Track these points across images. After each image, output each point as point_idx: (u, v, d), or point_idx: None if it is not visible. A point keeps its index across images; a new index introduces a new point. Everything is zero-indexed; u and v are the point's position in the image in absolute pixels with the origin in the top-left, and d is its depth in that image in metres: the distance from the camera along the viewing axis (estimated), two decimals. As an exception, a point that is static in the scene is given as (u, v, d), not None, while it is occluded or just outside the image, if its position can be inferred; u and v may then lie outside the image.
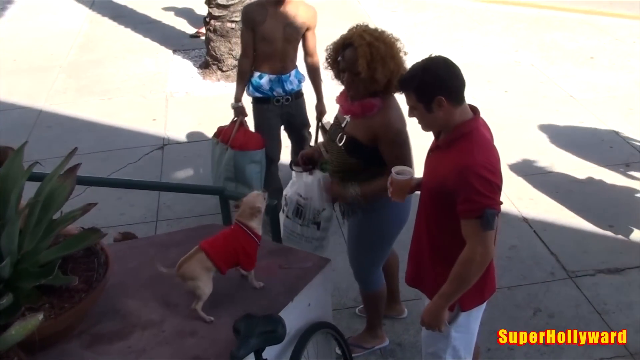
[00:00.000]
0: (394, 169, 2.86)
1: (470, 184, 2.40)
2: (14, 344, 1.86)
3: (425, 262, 2.77)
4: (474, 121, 2.55)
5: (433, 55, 2.59)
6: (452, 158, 2.49)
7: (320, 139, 4.51)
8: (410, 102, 2.56)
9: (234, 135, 4.56)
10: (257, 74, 4.48)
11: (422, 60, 2.57)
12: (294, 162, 3.50)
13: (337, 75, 3.21)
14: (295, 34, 4.41)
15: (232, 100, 4.64)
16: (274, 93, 4.50)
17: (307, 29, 4.46)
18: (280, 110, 4.58)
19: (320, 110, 4.65)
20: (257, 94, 4.53)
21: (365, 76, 3.00)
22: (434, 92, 2.47)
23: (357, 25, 3.15)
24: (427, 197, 2.68)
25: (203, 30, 7.98)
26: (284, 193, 3.49)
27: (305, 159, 3.46)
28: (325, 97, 4.65)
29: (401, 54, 3.09)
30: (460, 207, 2.44)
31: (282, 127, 4.77)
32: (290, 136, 4.89)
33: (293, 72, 4.55)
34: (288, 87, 4.51)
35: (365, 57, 2.97)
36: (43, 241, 2.25)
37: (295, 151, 5.03)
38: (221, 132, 4.71)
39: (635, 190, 5.08)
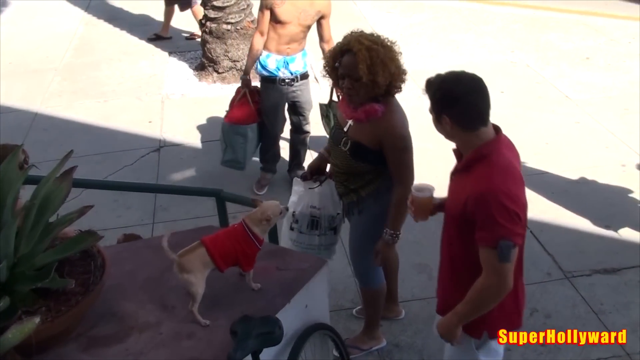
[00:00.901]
0: (414, 187, 2.78)
1: (487, 211, 2.31)
2: (10, 347, 1.86)
3: (448, 288, 2.70)
4: (494, 142, 2.42)
5: (465, 72, 2.47)
6: (471, 183, 2.39)
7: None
8: (429, 105, 2.49)
9: (234, 105, 4.95)
10: (265, 53, 4.76)
11: (453, 72, 2.47)
12: (302, 177, 3.54)
13: (336, 83, 3.21)
14: (309, 20, 4.68)
15: (229, 99, 5.04)
16: (280, 73, 4.78)
17: (322, 17, 4.73)
18: (286, 90, 4.86)
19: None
20: (264, 73, 4.83)
21: (366, 80, 2.99)
22: (441, 108, 2.41)
23: (351, 32, 3.15)
24: (449, 221, 2.57)
25: (198, 31, 8.02)
26: (292, 210, 3.50)
27: (313, 171, 3.51)
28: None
29: (399, 57, 3.09)
30: (477, 234, 2.36)
31: (286, 107, 5.07)
32: (291, 117, 5.15)
33: (299, 54, 4.82)
34: (293, 68, 4.80)
35: (365, 62, 2.96)
36: (39, 244, 2.24)
37: (294, 139, 5.27)
38: (237, 93, 5.05)
39: (631, 191, 5.09)
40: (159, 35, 8.66)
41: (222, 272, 2.52)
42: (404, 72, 3.09)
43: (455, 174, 2.55)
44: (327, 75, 3.28)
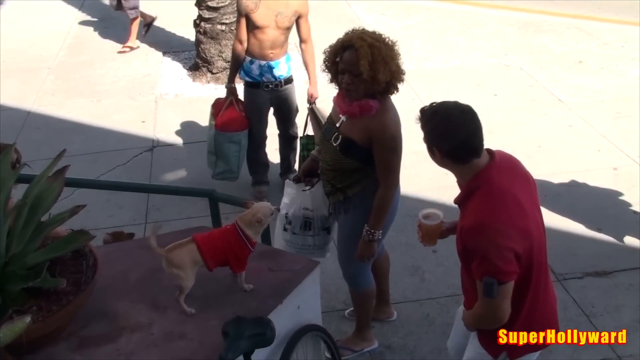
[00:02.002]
0: (421, 214, 2.77)
1: (478, 246, 2.31)
2: (1, 346, 1.85)
3: (470, 291, 2.66)
4: (486, 171, 2.39)
5: (458, 104, 2.44)
6: (467, 215, 2.39)
7: (310, 128, 4.73)
8: (423, 134, 2.48)
9: (221, 113, 4.89)
10: (248, 59, 4.73)
11: (444, 104, 2.45)
12: (294, 180, 3.54)
13: (335, 78, 3.21)
14: (287, 22, 4.62)
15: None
16: (263, 79, 4.75)
17: (300, 17, 4.67)
18: (270, 95, 4.84)
19: (312, 94, 4.83)
20: (248, 79, 4.80)
21: (367, 77, 2.99)
22: (431, 141, 2.41)
23: (353, 30, 3.16)
24: (458, 251, 2.53)
25: (131, 44, 8.27)
26: (284, 212, 3.51)
27: (306, 173, 3.51)
28: (319, 84, 4.86)
29: (399, 57, 3.10)
30: (472, 263, 2.36)
31: (272, 111, 5.03)
32: (278, 122, 5.11)
33: (283, 59, 4.77)
34: (277, 73, 4.75)
35: (366, 58, 2.97)
36: (31, 243, 2.24)
37: (283, 143, 5.24)
38: (217, 104, 5.01)
39: (623, 194, 5.11)
40: (147, 23, 8.53)
41: (210, 270, 2.52)
42: (402, 72, 3.11)
43: (459, 206, 2.52)
44: (327, 70, 3.27)
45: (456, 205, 2.54)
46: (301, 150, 4.85)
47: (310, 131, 4.77)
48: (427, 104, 2.51)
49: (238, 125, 4.87)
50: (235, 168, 4.99)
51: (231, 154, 4.91)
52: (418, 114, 2.48)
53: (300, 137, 4.87)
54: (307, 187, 3.46)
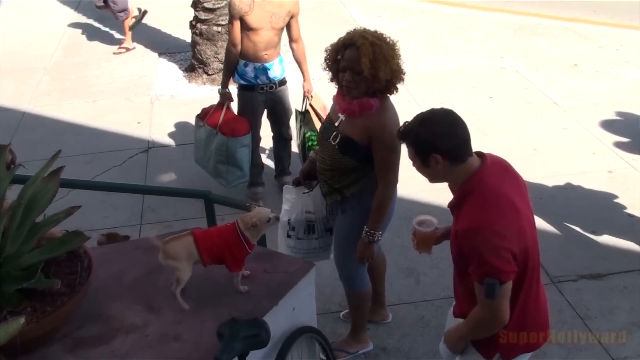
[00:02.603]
0: (415, 220, 2.77)
1: (475, 248, 2.31)
2: (-5, 347, 1.85)
3: (462, 298, 2.65)
4: (478, 174, 2.41)
5: (437, 108, 2.49)
6: (461, 219, 2.39)
7: (308, 122, 4.77)
8: (409, 154, 2.48)
9: (223, 120, 4.81)
10: (242, 62, 4.71)
11: (424, 112, 2.48)
12: (294, 183, 3.56)
13: (335, 76, 3.21)
14: (281, 22, 4.64)
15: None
16: (258, 81, 4.74)
17: (292, 17, 4.69)
18: (264, 97, 4.84)
19: (308, 89, 4.88)
20: (242, 82, 4.79)
21: (367, 75, 3.00)
22: (429, 149, 2.39)
23: (354, 29, 3.17)
24: (453, 255, 2.52)
25: (127, 45, 8.27)
26: (286, 219, 3.50)
27: (305, 176, 3.51)
28: (313, 82, 4.97)
29: (400, 57, 3.12)
30: (469, 268, 2.36)
31: (265, 114, 5.02)
32: (272, 124, 5.10)
33: (276, 60, 4.77)
34: (271, 75, 4.75)
35: (368, 56, 2.98)
36: (25, 244, 2.23)
37: (277, 145, 5.24)
38: (206, 115, 4.97)
39: (617, 196, 5.12)
40: (140, 14, 8.47)
41: (205, 266, 2.52)
42: (403, 72, 3.12)
43: (452, 210, 2.52)
44: (328, 68, 3.26)
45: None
46: (306, 143, 4.84)
47: (305, 109, 4.82)
48: (427, 105, 2.53)
49: (245, 128, 4.84)
50: (247, 171, 4.96)
51: (244, 158, 4.87)
52: (402, 132, 2.48)
53: (304, 132, 4.85)
54: (307, 190, 3.46)
